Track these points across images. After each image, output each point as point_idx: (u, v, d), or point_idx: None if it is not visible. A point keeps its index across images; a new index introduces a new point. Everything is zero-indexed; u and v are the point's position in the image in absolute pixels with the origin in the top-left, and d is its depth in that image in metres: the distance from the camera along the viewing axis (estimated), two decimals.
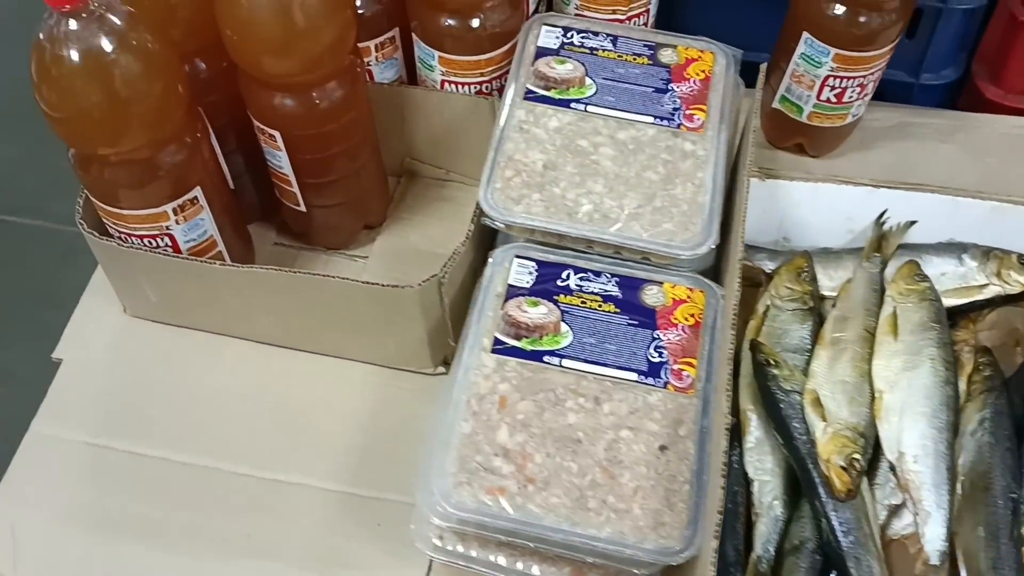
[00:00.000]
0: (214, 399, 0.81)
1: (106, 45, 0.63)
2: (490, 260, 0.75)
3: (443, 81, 0.86)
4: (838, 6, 0.83)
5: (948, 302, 0.83)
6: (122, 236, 0.76)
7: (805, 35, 0.86)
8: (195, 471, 0.78)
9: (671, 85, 0.81)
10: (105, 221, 0.76)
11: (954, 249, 0.87)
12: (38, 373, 0.84)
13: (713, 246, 0.73)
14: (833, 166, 0.93)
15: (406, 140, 0.92)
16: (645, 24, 0.91)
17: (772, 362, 0.77)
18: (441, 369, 0.82)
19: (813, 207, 0.89)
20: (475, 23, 0.81)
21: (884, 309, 0.82)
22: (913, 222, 0.88)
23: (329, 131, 0.78)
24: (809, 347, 0.80)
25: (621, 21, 0.89)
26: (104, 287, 0.85)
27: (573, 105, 0.80)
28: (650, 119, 0.79)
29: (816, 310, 0.83)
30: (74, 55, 0.63)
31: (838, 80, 0.88)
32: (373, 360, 0.82)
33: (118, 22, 0.63)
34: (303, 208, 0.85)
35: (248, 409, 0.81)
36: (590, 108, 0.79)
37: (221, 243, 0.79)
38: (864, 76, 0.88)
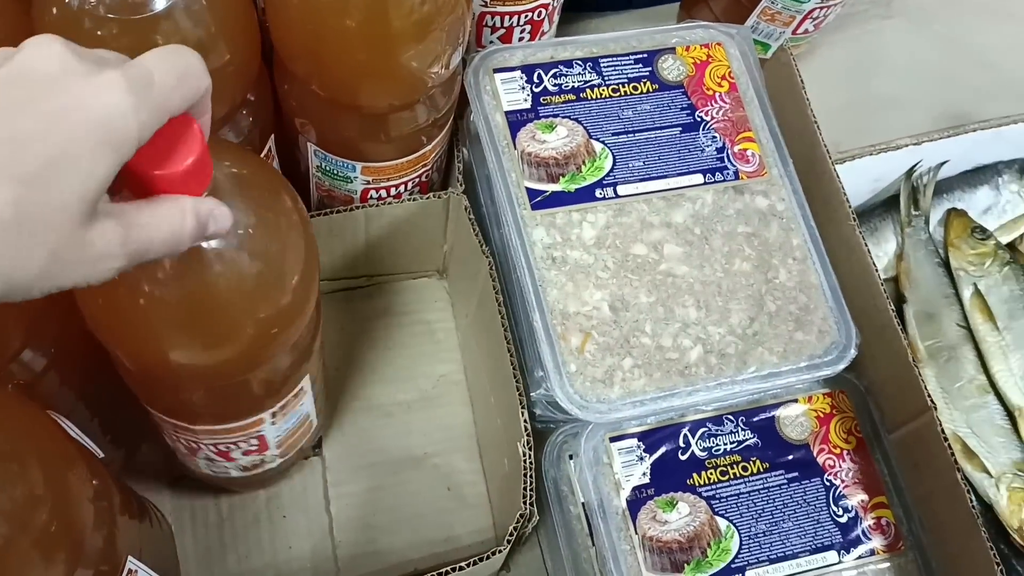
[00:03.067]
0: None
1: None
2: (577, 461, 0.52)
3: (365, 191, 0.57)
4: None
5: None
6: None
7: None
8: None
9: (698, 114, 0.58)
10: None
11: (985, 175, 0.73)
12: None
13: (859, 341, 0.54)
14: None
15: None
16: None
17: None
18: None
19: None
20: (417, 116, 0.52)
21: (962, 289, 0.68)
22: (944, 163, 0.72)
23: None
24: None
25: (545, 6, 0.62)
26: None
27: (599, 194, 0.55)
28: (699, 178, 0.56)
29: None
30: None
31: (825, 10, 0.69)
32: None
33: None
34: None
35: None
36: (621, 190, 0.55)
37: None
38: None
